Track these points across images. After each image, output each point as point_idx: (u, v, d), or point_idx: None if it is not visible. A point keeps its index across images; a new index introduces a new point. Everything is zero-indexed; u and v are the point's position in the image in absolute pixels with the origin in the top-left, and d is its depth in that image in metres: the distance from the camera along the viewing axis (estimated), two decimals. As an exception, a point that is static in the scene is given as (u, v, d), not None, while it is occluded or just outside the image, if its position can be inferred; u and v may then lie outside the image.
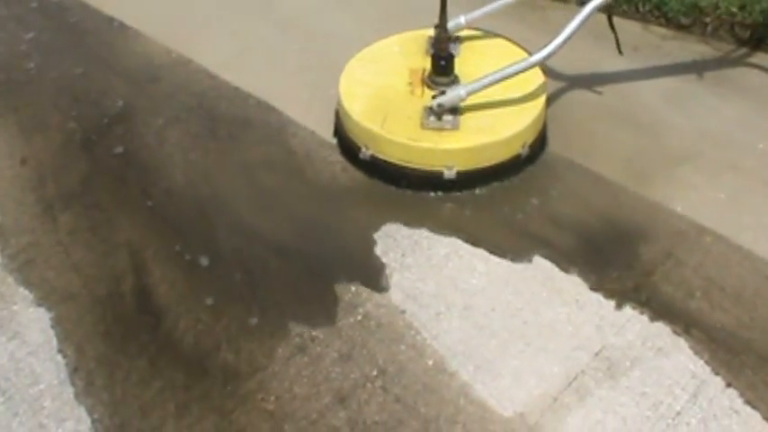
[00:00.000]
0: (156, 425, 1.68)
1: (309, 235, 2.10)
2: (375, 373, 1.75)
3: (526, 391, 1.71)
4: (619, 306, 1.87)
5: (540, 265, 1.98)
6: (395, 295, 1.91)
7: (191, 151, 2.43)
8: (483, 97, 2.21)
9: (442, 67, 2.31)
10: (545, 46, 2.11)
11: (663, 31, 2.92)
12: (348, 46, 2.57)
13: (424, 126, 2.20)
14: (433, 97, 2.20)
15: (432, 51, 2.39)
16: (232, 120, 2.55)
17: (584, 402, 1.68)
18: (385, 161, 2.24)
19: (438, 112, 2.19)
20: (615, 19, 2.36)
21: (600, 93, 2.54)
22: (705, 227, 2.04)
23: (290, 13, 3.16)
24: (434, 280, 1.95)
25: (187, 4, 3.31)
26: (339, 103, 2.37)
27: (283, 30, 3.05)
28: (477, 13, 2.45)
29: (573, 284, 1.92)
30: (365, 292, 1.93)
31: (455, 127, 2.18)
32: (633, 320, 1.84)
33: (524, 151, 2.24)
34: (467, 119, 2.21)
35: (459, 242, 2.04)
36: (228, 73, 2.78)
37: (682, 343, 1.78)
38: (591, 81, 2.60)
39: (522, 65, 2.14)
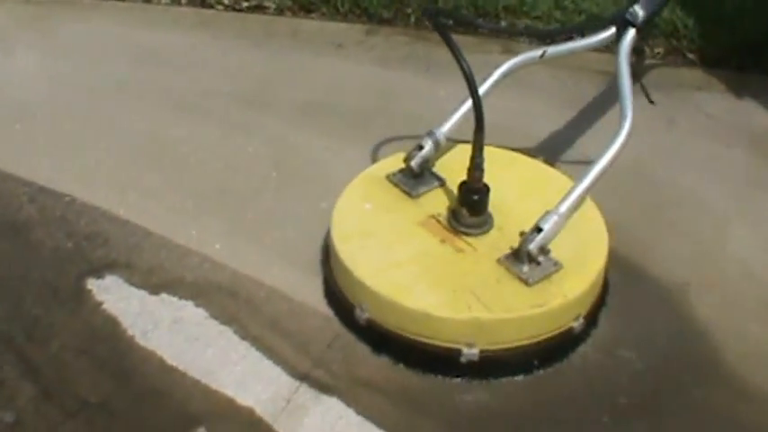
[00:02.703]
0: None
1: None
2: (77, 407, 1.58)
3: (254, 396, 1.59)
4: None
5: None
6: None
7: None
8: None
9: (476, 204, 1.74)
10: (610, 145, 1.72)
11: (366, 27, 2.93)
12: (72, 117, 2.49)
13: (529, 283, 1.62)
14: (522, 234, 1.65)
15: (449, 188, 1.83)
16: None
17: (321, 400, 1.59)
18: (504, 350, 1.60)
19: (535, 257, 1.64)
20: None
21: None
22: None
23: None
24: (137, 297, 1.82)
25: None
26: (393, 307, 1.61)
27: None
28: (448, 125, 1.90)
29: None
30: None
31: (559, 267, 1.66)
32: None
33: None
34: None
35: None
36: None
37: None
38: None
39: (603, 164, 1.72)
